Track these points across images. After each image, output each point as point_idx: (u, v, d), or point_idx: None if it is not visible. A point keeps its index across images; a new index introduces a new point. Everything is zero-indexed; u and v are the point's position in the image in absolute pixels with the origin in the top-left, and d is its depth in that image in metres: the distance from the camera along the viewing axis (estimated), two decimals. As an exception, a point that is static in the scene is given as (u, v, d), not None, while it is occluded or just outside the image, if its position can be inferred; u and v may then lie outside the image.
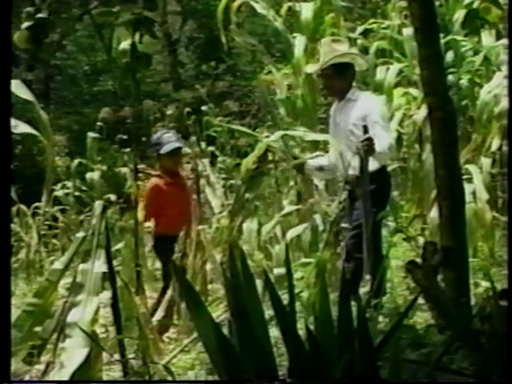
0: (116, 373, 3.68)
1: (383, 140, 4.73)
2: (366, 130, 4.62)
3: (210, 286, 6.23)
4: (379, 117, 4.84)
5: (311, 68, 5.31)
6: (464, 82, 6.98)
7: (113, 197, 6.59)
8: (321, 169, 5.17)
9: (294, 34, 7.68)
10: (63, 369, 3.11)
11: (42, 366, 3.33)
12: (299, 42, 7.48)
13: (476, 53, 7.18)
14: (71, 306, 3.32)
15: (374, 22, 8.23)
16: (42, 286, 3.53)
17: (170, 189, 5.82)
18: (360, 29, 8.21)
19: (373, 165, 4.71)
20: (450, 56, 7.10)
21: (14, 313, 3.34)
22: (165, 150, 5.78)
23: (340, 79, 5.02)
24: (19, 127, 3.69)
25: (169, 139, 5.87)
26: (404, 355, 3.21)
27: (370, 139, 4.56)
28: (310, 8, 7.56)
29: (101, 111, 15.32)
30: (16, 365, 3.26)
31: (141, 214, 5.98)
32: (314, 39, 7.52)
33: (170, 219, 5.61)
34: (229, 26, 7.91)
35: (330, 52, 5.03)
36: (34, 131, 3.71)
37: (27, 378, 3.28)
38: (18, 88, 3.64)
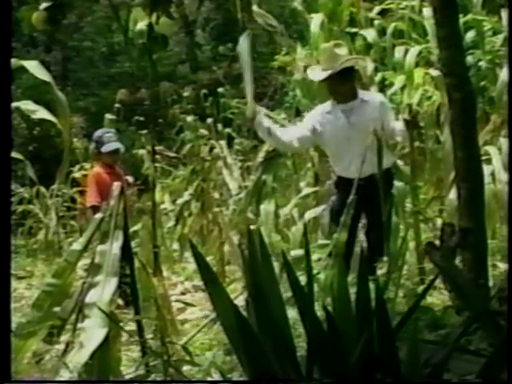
0: (134, 353, 3.71)
1: (400, 126, 5.07)
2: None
3: (227, 268, 6.27)
4: (392, 114, 5.24)
5: (316, 75, 5.25)
6: (484, 62, 6.91)
7: (130, 178, 6.66)
8: (268, 132, 5.24)
9: (312, 15, 7.61)
10: (82, 349, 3.14)
11: (61, 346, 3.36)
12: (316, 21, 7.41)
13: (496, 33, 7.10)
14: (90, 286, 3.34)
15: (392, 2, 8.15)
16: (60, 266, 3.55)
17: (109, 178, 6.07)
18: (378, 8, 8.13)
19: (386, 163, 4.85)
20: (469, 36, 7.01)
21: (34, 293, 3.37)
22: (105, 149, 6.31)
23: (346, 83, 5.17)
24: (38, 112, 3.71)
25: (109, 139, 6.39)
26: (422, 336, 3.21)
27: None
28: (327, -13, 7.47)
29: (118, 93, 15.33)
30: (37, 344, 3.30)
31: (86, 201, 6.27)
32: (332, 19, 7.46)
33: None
34: (247, 7, 7.84)
35: (333, 57, 5.12)
36: (52, 117, 3.72)
37: (47, 357, 3.32)
38: (35, 69, 3.65)
